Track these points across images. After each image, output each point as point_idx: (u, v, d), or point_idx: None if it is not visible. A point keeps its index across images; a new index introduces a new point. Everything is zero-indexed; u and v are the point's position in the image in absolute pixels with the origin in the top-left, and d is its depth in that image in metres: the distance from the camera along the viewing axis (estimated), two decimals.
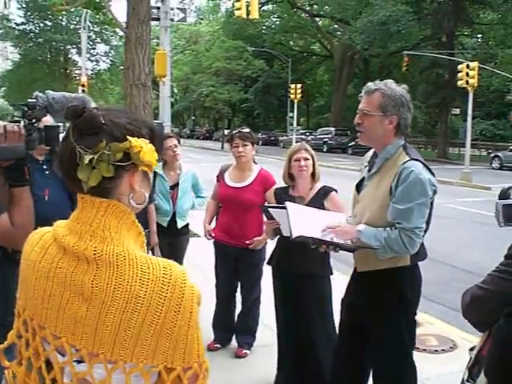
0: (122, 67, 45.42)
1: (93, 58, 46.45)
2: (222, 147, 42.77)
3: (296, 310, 4.07)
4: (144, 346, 1.33)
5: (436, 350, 5.01)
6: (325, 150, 37.76)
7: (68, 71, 47.08)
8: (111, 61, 48.21)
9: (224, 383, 4.28)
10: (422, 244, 3.08)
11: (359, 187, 3.20)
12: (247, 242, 4.67)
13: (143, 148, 1.35)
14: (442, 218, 12.22)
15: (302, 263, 3.93)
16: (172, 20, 12.95)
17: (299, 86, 34.78)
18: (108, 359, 1.34)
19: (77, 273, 1.35)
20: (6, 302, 2.28)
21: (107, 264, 1.32)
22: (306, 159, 4.02)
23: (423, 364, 4.74)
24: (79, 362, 1.38)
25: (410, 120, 3.02)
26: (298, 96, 34.43)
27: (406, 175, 2.83)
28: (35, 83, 43.56)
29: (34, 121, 2.32)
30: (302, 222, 3.16)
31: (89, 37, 36.25)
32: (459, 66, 22.78)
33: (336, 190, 4.09)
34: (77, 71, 42.59)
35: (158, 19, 12.22)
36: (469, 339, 4.93)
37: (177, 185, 5.27)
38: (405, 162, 2.89)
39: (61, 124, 2.65)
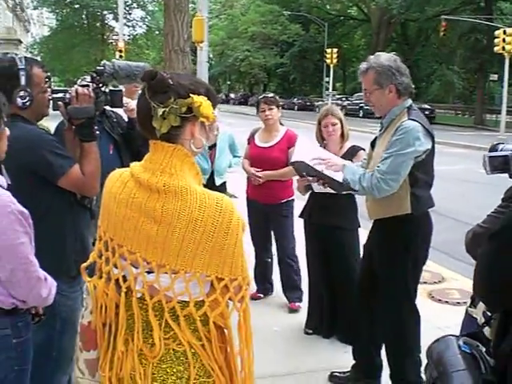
0: (157, 32, 45.63)
1: (129, 24, 46.35)
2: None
3: (326, 259, 4.44)
4: (200, 259, 1.71)
5: (458, 303, 5.33)
6: (361, 115, 36.98)
7: (105, 37, 47.22)
8: (147, 26, 48.20)
9: (255, 327, 4.66)
10: (429, 195, 3.39)
11: (373, 145, 3.55)
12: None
13: (203, 103, 1.73)
14: (474, 183, 12.34)
15: (331, 216, 4.30)
16: None
17: (335, 50, 34.58)
18: (172, 269, 1.73)
19: (150, 201, 1.73)
20: (75, 238, 2.70)
21: (173, 194, 1.70)
22: (334, 124, 4.33)
23: (445, 314, 5.08)
24: (149, 272, 1.77)
25: (409, 79, 3.34)
26: (334, 61, 34.28)
27: (399, 130, 3.19)
28: (73, 49, 43.87)
29: (101, 85, 2.69)
30: (304, 153, 3.63)
31: (125, 2, 36.35)
32: (496, 32, 22.43)
33: (364, 149, 4.39)
34: (114, 37, 42.68)
35: None
36: None
37: (214, 145, 5.54)
38: (404, 121, 3.22)
39: (122, 87, 3.01)
